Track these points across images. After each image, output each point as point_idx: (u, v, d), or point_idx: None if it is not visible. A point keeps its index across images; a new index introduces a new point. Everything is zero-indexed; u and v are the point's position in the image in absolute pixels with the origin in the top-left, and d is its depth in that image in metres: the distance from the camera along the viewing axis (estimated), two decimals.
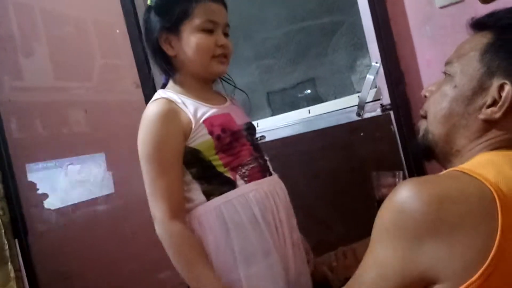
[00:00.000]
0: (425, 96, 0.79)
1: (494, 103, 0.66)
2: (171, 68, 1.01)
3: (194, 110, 0.96)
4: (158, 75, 1.70)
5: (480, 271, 0.55)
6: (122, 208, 1.74)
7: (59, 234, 1.81)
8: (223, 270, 0.92)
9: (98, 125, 1.77)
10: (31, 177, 1.84)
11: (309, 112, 1.54)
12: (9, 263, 1.72)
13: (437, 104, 0.74)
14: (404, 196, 0.61)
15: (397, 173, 1.01)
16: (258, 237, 0.93)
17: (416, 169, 1.28)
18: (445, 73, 0.75)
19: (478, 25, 0.73)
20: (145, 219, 1.66)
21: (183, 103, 0.96)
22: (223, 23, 0.99)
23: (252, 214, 0.94)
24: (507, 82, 0.65)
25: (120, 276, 1.72)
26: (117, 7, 1.65)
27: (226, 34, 1.01)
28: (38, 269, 1.81)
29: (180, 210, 0.93)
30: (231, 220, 0.93)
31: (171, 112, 0.94)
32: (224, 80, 1.10)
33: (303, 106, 1.59)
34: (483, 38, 0.70)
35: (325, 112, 1.52)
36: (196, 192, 0.95)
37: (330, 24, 1.60)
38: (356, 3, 1.46)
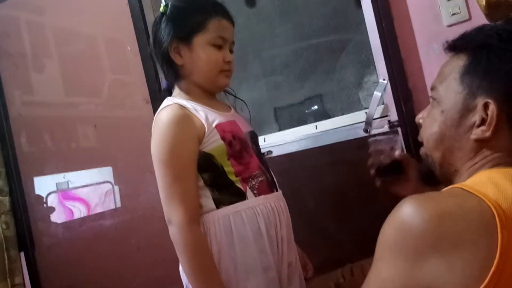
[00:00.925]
0: (420, 123, 0.82)
1: (482, 121, 0.68)
2: (176, 76, 1.03)
3: (205, 115, 0.97)
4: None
5: (481, 287, 0.55)
6: (128, 223, 1.74)
7: (66, 248, 1.81)
8: (223, 280, 0.93)
9: (107, 140, 1.78)
10: (39, 190, 1.85)
11: (316, 128, 1.54)
12: (8, 278, 1.71)
13: (428, 130, 0.77)
14: (405, 213, 0.61)
15: (393, 138, 0.99)
16: (260, 251, 0.95)
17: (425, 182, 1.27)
18: (432, 98, 0.78)
19: (452, 48, 0.75)
20: (151, 233, 1.67)
21: (194, 108, 0.98)
22: (231, 40, 1.02)
23: (257, 228, 0.95)
24: (489, 100, 0.67)
25: None
26: (128, 24, 1.68)
27: (231, 51, 1.04)
28: (44, 283, 1.81)
29: (196, 214, 0.93)
30: (237, 231, 0.94)
31: (185, 117, 0.95)
32: (226, 91, 1.12)
33: (311, 122, 1.59)
34: (460, 61, 0.72)
35: (332, 128, 1.52)
36: (206, 199, 0.96)
37: (337, 41, 1.62)
38: (364, 21, 1.48)
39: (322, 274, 1.10)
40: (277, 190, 1.03)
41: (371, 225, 1.20)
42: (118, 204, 1.75)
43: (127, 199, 1.75)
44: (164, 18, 1.01)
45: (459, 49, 0.73)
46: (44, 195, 1.84)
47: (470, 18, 1.25)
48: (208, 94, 1.05)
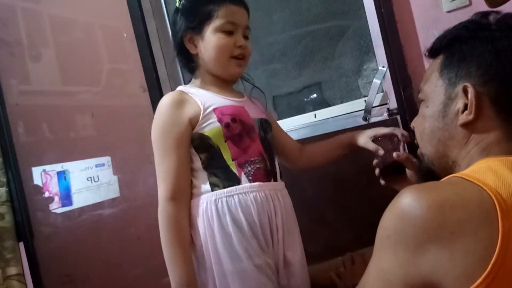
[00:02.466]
0: (413, 127, 0.85)
1: (466, 107, 0.70)
2: (192, 66, 1.09)
3: (206, 99, 1.02)
4: (165, 80, 1.71)
5: (482, 277, 0.55)
6: (127, 212, 1.74)
7: (65, 237, 1.80)
8: (213, 260, 0.96)
9: (105, 129, 1.78)
10: (37, 180, 1.84)
11: (315, 116, 1.54)
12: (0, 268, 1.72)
13: (420, 127, 0.79)
14: (405, 203, 0.62)
15: (396, 138, 1.03)
16: (252, 236, 0.96)
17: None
18: (419, 99, 0.81)
19: (431, 53, 0.79)
20: (151, 223, 1.66)
21: (196, 93, 1.03)
22: (243, 25, 1.05)
23: (250, 213, 0.97)
24: (467, 84, 0.69)
25: (125, 280, 1.72)
26: (124, 11, 1.66)
27: (246, 37, 1.06)
28: (43, 272, 1.81)
29: (179, 193, 0.97)
30: (230, 214, 0.96)
31: (178, 101, 1.01)
32: (243, 79, 1.15)
33: (309, 110, 1.58)
34: (438, 60, 0.76)
35: (331, 116, 1.51)
36: (203, 180, 1.00)
37: (336, 28, 1.60)
38: (363, 7, 1.46)
39: (322, 263, 1.10)
40: (275, 180, 1.04)
41: (371, 213, 1.20)
42: (117, 194, 1.75)
43: (126, 188, 1.75)
44: (178, 13, 1.07)
45: (437, 52, 0.77)
46: (42, 185, 1.84)
47: (470, 4, 1.24)
48: (222, 82, 1.08)
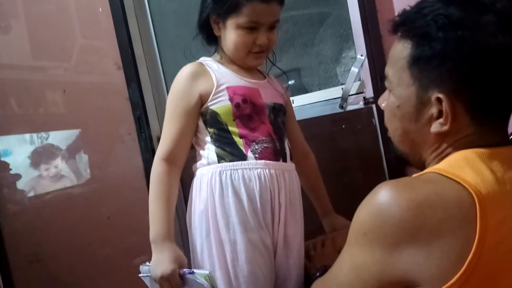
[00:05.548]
0: (382, 108, 0.79)
1: (440, 113, 0.66)
2: (214, 44, 1.10)
3: (222, 76, 1.04)
4: (141, 57, 1.66)
5: (457, 275, 0.55)
6: (97, 192, 1.71)
7: (32, 215, 1.76)
8: (211, 227, 0.99)
9: (76, 106, 1.72)
10: (4, 156, 1.78)
11: (293, 102, 1.53)
12: None
13: (390, 124, 0.75)
14: (382, 200, 0.60)
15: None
16: (251, 211, 0.98)
17: (396, 163, 1.29)
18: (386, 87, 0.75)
19: (395, 31, 0.71)
20: (121, 203, 1.65)
21: (215, 69, 1.05)
22: (268, 22, 1.03)
23: (252, 189, 0.99)
24: (441, 96, 0.64)
25: (94, 260, 1.70)
26: None
27: (272, 27, 1.04)
28: (9, 251, 1.77)
29: (172, 156, 1.02)
30: (233, 187, 0.99)
31: (195, 74, 1.03)
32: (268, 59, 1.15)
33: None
34: (405, 49, 0.68)
35: (309, 102, 1.52)
36: (211, 152, 1.02)
37: (317, 14, 1.59)
38: None
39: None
40: (285, 161, 1.05)
41: (343, 198, 1.22)
42: (87, 173, 1.71)
43: (96, 168, 1.71)
44: None
45: (402, 35, 0.69)
46: (9, 161, 1.78)
47: None
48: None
